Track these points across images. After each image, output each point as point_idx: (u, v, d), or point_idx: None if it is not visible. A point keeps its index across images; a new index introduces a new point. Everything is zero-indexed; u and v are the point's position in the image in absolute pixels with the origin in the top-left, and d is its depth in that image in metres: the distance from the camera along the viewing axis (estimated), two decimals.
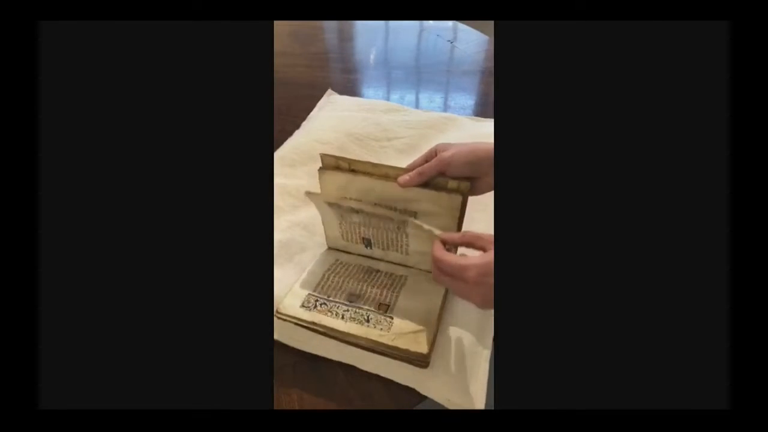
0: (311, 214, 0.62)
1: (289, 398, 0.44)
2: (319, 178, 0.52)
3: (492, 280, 0.38)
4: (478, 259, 0.40)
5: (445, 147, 0.48)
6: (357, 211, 0.50)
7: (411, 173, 0.47)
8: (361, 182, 0.50)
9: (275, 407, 0.44)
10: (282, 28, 1.28)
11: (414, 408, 0.45)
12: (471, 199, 0.49)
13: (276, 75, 0.96)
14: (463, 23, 1.36)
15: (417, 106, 0.96)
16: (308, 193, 0.50)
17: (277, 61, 1.06)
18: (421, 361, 0.45)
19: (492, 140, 0.39)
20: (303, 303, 0.50)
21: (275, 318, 0.49)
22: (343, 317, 0.48)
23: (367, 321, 0.48)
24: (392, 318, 0.48)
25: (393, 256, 0.55)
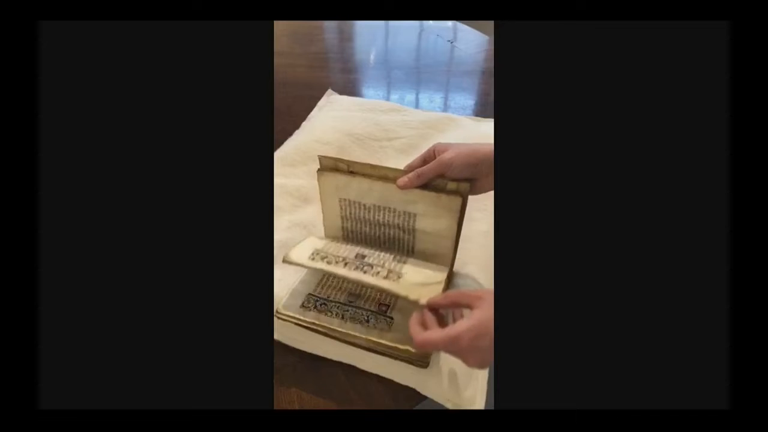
0: (311, 214, 0.63)
1: (289, 398, 0.44)
2: (318, 179, 0.52)
3: (485, 341, 0.36)
4: (466, 323, 0.37)
5: (444, 147, 0.48)
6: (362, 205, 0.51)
7: (410, 175, 0.47)
8: (360, 183, 0.50)
9: (275, 407, 0.44)
10: (282, 28, 1.28)
11: (414, 408, 0.45)
12: (471, 199, 0.49)
13: (276, 75, 0.96)
14: (463, 23, 1.36)
15: (417, 106, 0.96)
16: (320, 159, 0.51)
17: (277, 61, 1.06)
18: (421, 361, 0.45)
19: (491, 140, 0.39)
20: (303, 303, 0.50)
21: (275, 318, 0.49)
22: (343, 317, 0.48)
23: (367, 321, 0.48)
24: (392, 318, 0.48)
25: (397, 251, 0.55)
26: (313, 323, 0.48)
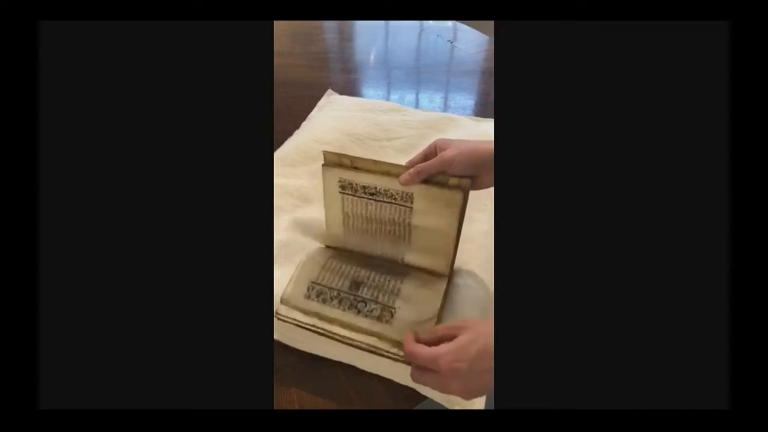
0: (311, 214, 0.63)
1: (289, 398, 0.45)
2: (322, 174, 0.52)
3: (464, 365, 0.37)
4: (446, 346, 0.38)
5: (445, 144, 0.48)
6: (366, 192, 0.51)
7: (411, 171, 0.47)
8: (363, 179, 0.50)
9: (275, 407, 0.44)
10: (282, 28, 1.28)
11: (414, 408, 0.45)
12: (471, 199, 0.49)
13: (276, 75, 0.96)
14: (463, 23, 1.36)
15: (417, 106, 0.96)
16: (324, 154, 0.51)
17: (277, 61, 1.06)
18: None
19: (492, 138, 0.39)
20: (306, 292, 0.50)
21: (275, 319, 0.49)
22: (345, 308, 0.48)
23: (370, 312, 0.48)
24: (395, 309, 0.48)
25: (395, 253, 0.55)
26: (314, 325, 0.48)
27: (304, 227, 0.60)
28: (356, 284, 0.51)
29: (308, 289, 0.50)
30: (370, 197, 0.52)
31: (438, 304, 0.50)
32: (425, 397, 0.45)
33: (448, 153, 0.46)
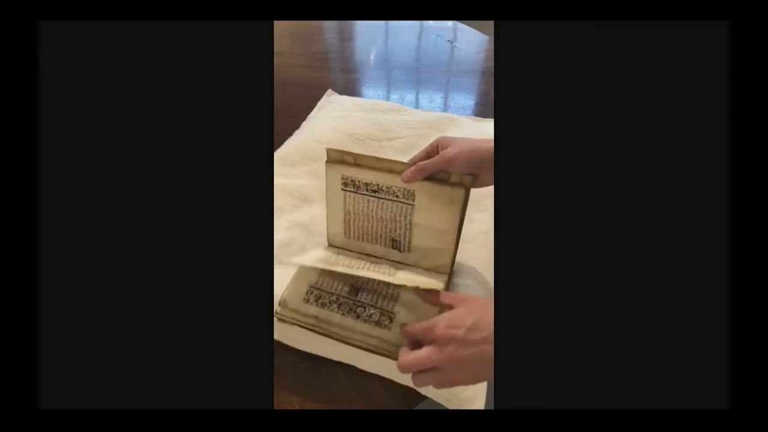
0: (311, 214, 0.63)
1: (289, 398, 0.44)
2: (326, 170, 0.52)
3: (462, 332, 0.37)
4: (442, 315, 0.40)
5: (447, 142, 0.48)
6: (368, 189, 0.52)
7: (413, 168, 0.48)
8: (366, 176, 0.51)
9: (275, 407, 0.44)
10: (282, 28, 1.28)
11: (414, 408, 0.45)
12: (471, 199, 0.49)
13: (276, 75, 0.95)
14: (463, 23, 1.36)
15: (417, 106, 0.96)
16: (327, 151, 0.52)
17: (277, 61, 1.06)
18: None
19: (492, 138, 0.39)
20: (305, 296, 0.50)
21: (275, 319, 0.49)
22: (344, 313, 0.48)
23: (369, 317, 0.48)
24: (395, 313, 0.48)
25: (395, 255, 0.55)
26: (314, 325, 0.48)
27: (304, 227, 0.60)
28: (355, 289, 0.51)
29: (307, 293, 0.50)
30: (372, 194, 0.52)
31: (437, 310, 0.50)
32: (425, 397, 0.45)
33: (450, 151, 0.47)
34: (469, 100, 1.01)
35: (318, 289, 0.50)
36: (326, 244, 0.58)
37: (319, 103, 0.91)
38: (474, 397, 0.44)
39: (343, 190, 0.53)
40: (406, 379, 0.45)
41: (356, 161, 0.51)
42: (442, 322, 0.39)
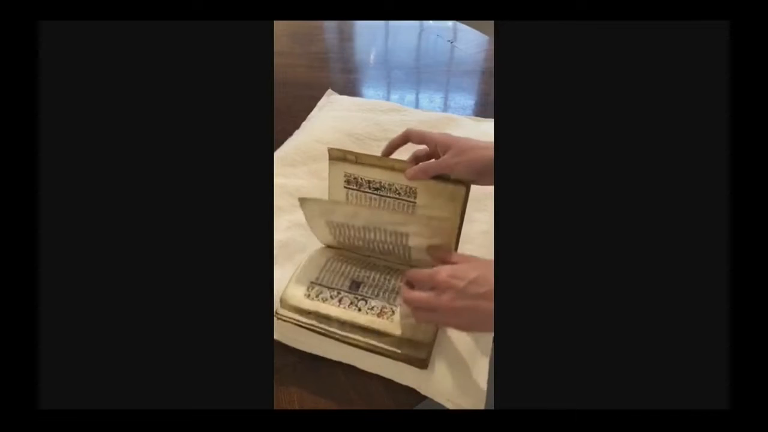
0: None
1: (289, 398, 0.44)
2: (329, 168, 0.53)
3: (462, 283, 0.39)
4: (446, 267, 0.42)
5: (447, 145, 0.49)
6: (370, 186, 0.52)
7: (416, 168, 0.49)
8: (368, 173, 0.51)
9: (275, 407, 0.44)
10: (282, 28, 1.28)
11: (414, 408, 0.45)
12: (471, 200, 0.50)
13: (276, 75, 0.95)
14: (463, 23, 1.36)
15: (417, 106, 0.96)
16: (329, 151, 0.52)
17: (277, 61, 1.06)
18: (420, 362, 0.45)
19: (492, 139, 0.39)
20: (306, 292, 0.50)
21: (275, 319, 0.49)
22: (346, 306, 0.48)
23: (371, 309, 0.48)
24: (395, 308, 0.48)
25: (395, 258, 0.55)
26: (313, 324, 0.48)
27: (304, 227, 0.60)
28: (356, 284, 0.51)
29: (308, 289, 0.50)
30: (375, 192, 0.52)
31: None
32: (425, 397, 0.45)
33: (451, 159, 0.47)
34: (469, 100, 1.01)
35: (319, 284, 0.50)
36: (323, 246, 0.58)
37: (319, 103, 0.91)
38: (474, 397, 0.44)
39: (345, 187, 0.53)
40: (406, 379, 0.45)
41: (358, 160, 0.51)
42: (444, 272, 0.41)
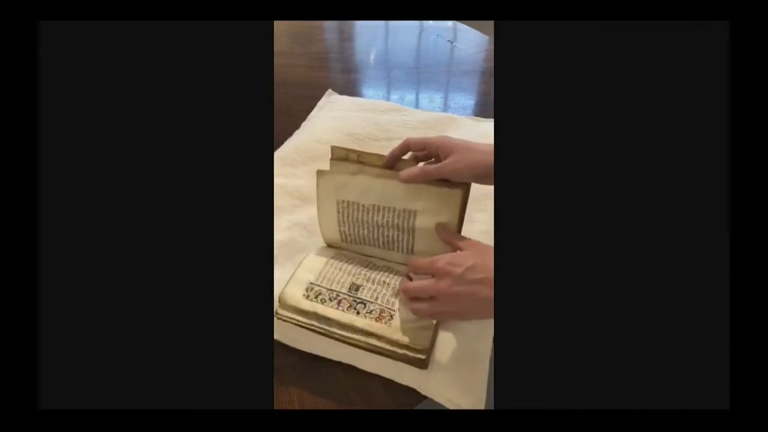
0: (311, 214, 0.62)
1: (289, 398, 0.44)
2: (330, 168, 0.53)
3: (460, 270, 0.41)
4: (444, 255, 0.45)
5: (447, 148, 0.48)
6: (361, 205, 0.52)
7: (414, 171, 0.48)
8: (361, 182, 0.51)
9: (275, 407, 0.44)
10: (282, 28, 1.28)
11: (414, 408, 0.45)
12: (471, 200, 0.50)
13: (276, 75, 0.95)
14: (463, 23, 1.36)
15: (417, 106, 0.96)
16: (332, 149, 0.52)
17: (277, 61, 1.06)
18: (420, 362, 0.45)
19: (491, 140, 0.39)
20: (305, 293, 0.50)
21: (275, 319, 0.49)
22: (344, 309, 0.48)
23: (369, 313, 0.48)
24: (395, 310, 0.48)
25: (396, 256, 0.55)
26: (313, 324, 0.48)
27: (304, 227, 0.60)
28: (355, 286, 0.51)
29: (307, 290, 0.50)
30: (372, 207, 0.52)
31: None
32: (425, 397, 0.45)
33: (452, 165, 0.48)
34: (469, 100, 1.01)
35: (318, 286, 0.50)
36: (321, 247, 0.58)
37: (319, 103, 0.91)
38: (474, 397, 0.44)
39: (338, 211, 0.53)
40: (406, 379, 0.45)
41: (359, 158, 0.51)
42: (443, 259, 0.43)
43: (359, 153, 0.51)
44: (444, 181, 0.48)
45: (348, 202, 0.52)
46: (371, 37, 1.35)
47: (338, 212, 0.53)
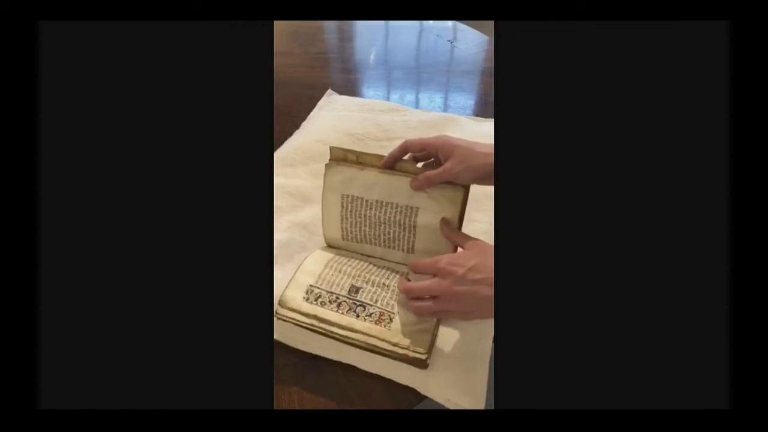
0: (311, 214, 0.63)
1: (289, 398, 0.44)
2: (327, 170, 0.53)
3: (462, 270, 0.42)
4: (446, 255, 0.45)
5: (448, 150, 0.49)
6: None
7: (420, 179, 0.49)
8: (367, 177, 0.51)
9: (275, 407, 0.44)
10: (282, 28, 1.28)
11: (414, 408, 0.45)
12: (471, 199, 0.50)
13: (276, 75, 0.96)
14: (463, 23, 1.36)
15: (417, 106, 0.96)
16: (331, 150, 0.53)
17: (277, 61, 1.06)
18: (420, 362, 0.45)
19: (491, 141, 0.39)
20: (305, 296, 0.50)
21: (275, 319, 0.49)
22: (344, 312, 0.48)
23: (369, 316, 0.48)
24: (394, 313, 0.48)
25: (396, 255, 0.55)
26: (313, 324, 0.48)
27: (304, 227, 0.60)
28: (355, 288, 0.51)
29: (306, 293, 0.50)
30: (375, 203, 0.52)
31: None
32: (425, 397, 0.45)
33: (454, 168, 0.48)
34: (469, 100, 1.01)
35: (318, 288, 0.50)
36: (322, 249, 0.58)
37: (319, 103, 0.91)
38: (474, 397, 0.44)
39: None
40: (406, 379, 0.45)
41: (359, 159, 0.51)
42: (445, 259, 0.44)
43: (358, 153, 0.51)
44: (446, 181, 0.49)
45: (352, 196, 0.52)
46: (371, 37, 1.35)
47: (342, 207, 0.53)
